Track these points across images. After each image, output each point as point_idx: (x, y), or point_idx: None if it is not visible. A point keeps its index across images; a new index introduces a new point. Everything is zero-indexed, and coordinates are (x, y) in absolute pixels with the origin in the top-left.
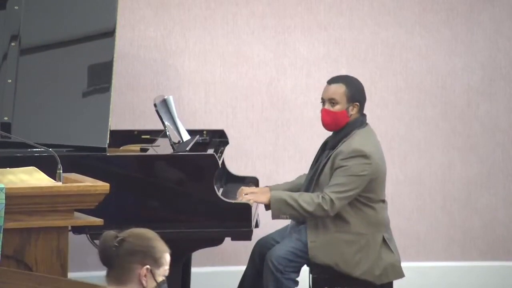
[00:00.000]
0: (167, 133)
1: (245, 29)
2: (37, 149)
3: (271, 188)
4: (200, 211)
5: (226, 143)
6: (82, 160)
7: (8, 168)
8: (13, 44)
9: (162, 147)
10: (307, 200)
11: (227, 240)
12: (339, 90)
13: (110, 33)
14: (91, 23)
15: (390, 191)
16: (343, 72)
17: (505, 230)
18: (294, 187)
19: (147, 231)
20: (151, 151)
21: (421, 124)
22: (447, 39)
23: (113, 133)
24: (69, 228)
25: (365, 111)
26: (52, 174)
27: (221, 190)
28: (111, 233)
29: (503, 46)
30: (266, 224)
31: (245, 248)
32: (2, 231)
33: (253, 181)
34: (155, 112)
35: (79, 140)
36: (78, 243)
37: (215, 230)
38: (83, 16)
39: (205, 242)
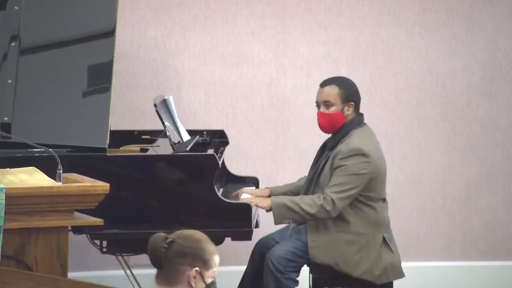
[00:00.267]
0: (167, 133)
1: (245, 29)
2: (37, 149)
3: (271, 191)
4: (200, 211)
5: (226, 143)
6: (82, 160)
7: (8, 168)
8: (13, 44)
9: (162, 147)
10: (308, 203)
11: (227, 240)
12: (332, 91)
13: (110, 33)
14: (91, 23)
15: (390, 191)
16: (343, 72)
17: (505, 230)
18: (294, 189)
19: (196, 232)
20: (151, 151)
21: (421, 124)
22: (447, 39)
23: (113, 133)
24: (69, 228)
25: (365, 111)
26: (52, 174)
27: (221, 190)
28: (160, 235)
29: (503, 46)
30: (266, 224)
31: (245, 248)
32: (2, 231)
33: (253, 181)
34: (155, 112)
35: (79, 140)
36: (78, 243)
37: (215, 230)
38: (83, 16)
39: None
